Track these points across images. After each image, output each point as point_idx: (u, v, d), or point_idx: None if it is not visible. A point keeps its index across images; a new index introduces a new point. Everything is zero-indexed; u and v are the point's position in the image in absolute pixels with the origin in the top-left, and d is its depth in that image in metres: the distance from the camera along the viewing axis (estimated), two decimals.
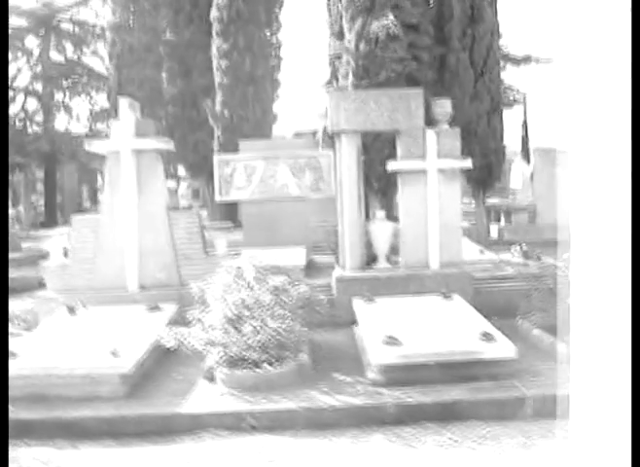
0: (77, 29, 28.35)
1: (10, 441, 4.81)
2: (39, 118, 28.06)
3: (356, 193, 7.59)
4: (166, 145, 7.55)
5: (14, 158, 23.84)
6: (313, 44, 57.94)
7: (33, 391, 5.33)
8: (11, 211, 25.97)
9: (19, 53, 28.13)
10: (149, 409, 5.04)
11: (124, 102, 7.43)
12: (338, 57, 15.44)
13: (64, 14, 28.14)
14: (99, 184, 34.38)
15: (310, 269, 9.36)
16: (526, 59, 24.58)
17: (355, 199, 7.57)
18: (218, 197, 11.94)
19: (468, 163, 7.56)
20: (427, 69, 13.16)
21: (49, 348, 5.78)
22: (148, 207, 7.47)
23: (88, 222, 7.64)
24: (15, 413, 5.08)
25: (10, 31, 27.48)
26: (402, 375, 5.34)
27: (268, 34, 17.61)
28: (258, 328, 5.33)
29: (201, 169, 16.96)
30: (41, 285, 11.48)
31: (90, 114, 28.61)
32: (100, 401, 5.20)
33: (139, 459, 4.49)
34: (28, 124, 27.76)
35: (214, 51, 15.21)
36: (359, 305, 6.89)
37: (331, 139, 15.55)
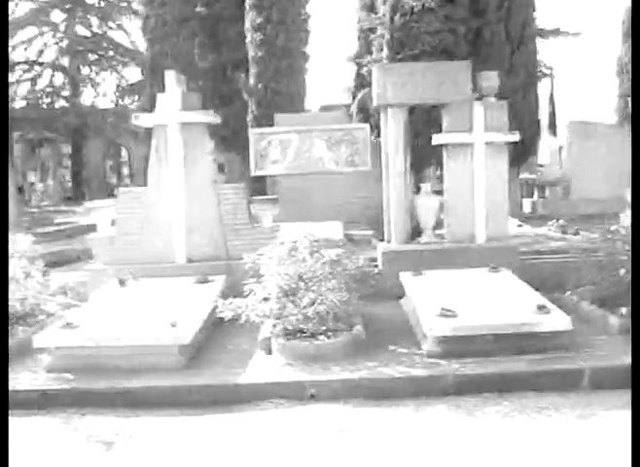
0: (102, 3, 28.31)
1: (71, 410, 4.93)
2: (65, 93, 28.13)
3: (402, 166, 7.58)
4: (213, 118, 7.56)
5: (42, 133, 24.03)
6: (336, 17, 57.50)
7: (92, 362, 5.41)
8: (40, 186, 26.23)
9: (46, 28, 28.16)
10: (210, 379, 5.12)
11: (170, 75, 7.45)
12: (370, 30, 15.35)
13: None
14: (123, 159, 34.56)
15: (347, 243, 9.37)
16: (555, 32, 24.27)
17: (401, 173, 7.57)
18: (253, 172, 11.94)
19: (515, 137, 7.53)
20: (462, 42, 13.04)
21: (106, 320, 5.85)
22: (195, 180, 7.51)
23: (134, 195, 7.69)
24: (76, 382, 5.19)
25: (36, 6, 27.56)
26: (457, 346, 5.37)
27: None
28: (316, 300, 5.37)
29: (232, 144, 16.96)
30: (79, 258, 11.63)
31: (117, 88, 28.67)
32: (160, 371, 5.27)
33: (204, 428, 4.56)
34: (55, 99, 27.82)
35: (247, 24, 15.17)
36: (407, 278, 6.91)
37: (362, 113, 15.51)
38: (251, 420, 4.63)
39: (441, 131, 7.68)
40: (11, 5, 28.01)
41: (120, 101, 28.61)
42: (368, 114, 14.58)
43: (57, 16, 28.55)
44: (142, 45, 25.93)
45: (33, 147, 27.85)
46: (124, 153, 34.15)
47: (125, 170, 34.33)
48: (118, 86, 28.76)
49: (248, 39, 15.20)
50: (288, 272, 5.61)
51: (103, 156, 31.11)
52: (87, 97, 28.90)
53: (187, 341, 5.40)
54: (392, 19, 13.03)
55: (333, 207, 12.27)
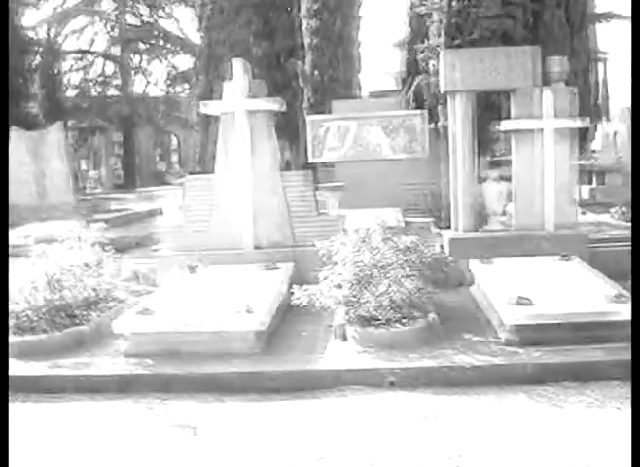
0: None
1: (153, 396, 5.00)
2: (117, 81, 28.44)
3: (470, 153, 7.52)
4: (279, 105, 7.57)
5: (94, 121, 24.38)
6: (375, 2, 56.92)
7: (169, 347, 5.48)
8: (92, 173, 26.61)
9: (97, 17, 28.47)
10: (288, 365, 5.15)
11: (237, 63, 7.47)
12: (425, 15, 15.19)
13: None
14: (173, 147, 34.86)
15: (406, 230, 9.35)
16: (606, 16, 23.79)
17: (469, 160, 7.51)
18: (310, 158, 11.95)
19: (585, 123, 7.41)
20: (521, 27, 12.84)
21: (180, 306, 5.92)
22: (261, 168, 7.53)
23: (202, 182, 7.75)
24: (155, 367, 5.26)
25: None
26: (535, 335, 5.32)
27: None
28: (392, 287, 5.36)
29: (283, 131, 16.97)
30: (138, 245, 11.78)
31: (168, 77, 28.89)
32: (238, 357, 5.32)
33: (287, 413, 4.59)
34: (107, 87, 28.13)
35: (304, 11, 15.14)
36: (476, 265, 6.86)
37: (417, 100, 15.37)
38: (333, 407, 4.65)
39: (498, 117, 7.60)
40: None
41: (170, 90, 28.82)
42: (422, 100, 14.44)
43: (108, 5, 28.85)
44: (192, 33, 26.14)
45: (85, 135, 28.23)
46: (172, 140, 34.47)
47: (174, 158, 34.65)
48: (168, 74, 29.00)
49: (304, 26, 15.19)
50: (362, 259, 5.61)
51: (153, 144, 31.40)
52: (137, 86, 29.20)
53: (264, 327, 5.44)
54: (450, 4, 12.87)
55: (389, 194, 12.22)
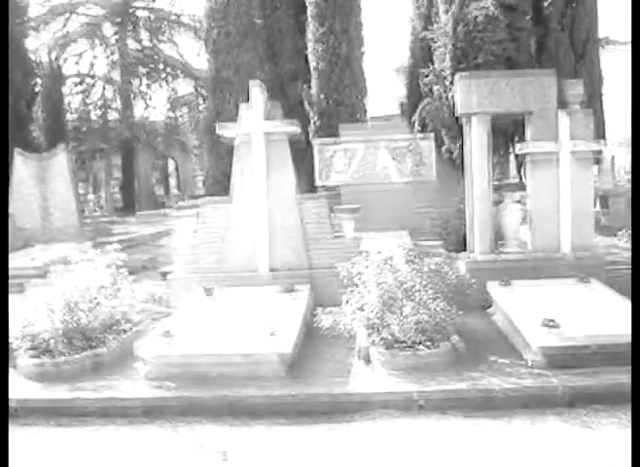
0: (152, 17, 28.66)
1: (177, 420, 4.93)
2: (117, 105, 28.49)
3: (486, 176, 7.51)
4: (295, 128, 7.57)
5: (96, 144, 24.37)
6: (379, 28, 57.47)
7: (191, 370, 5.41)
8: (92, 197, 26.55)
9: (97, 42, 28.58)
10: (315, 388, 5.08)
11: (254, 86, 7.48)
12: (430, 40, 15.28)
13: (140, 2, 28.46)
14: (170, 171, 34.88)
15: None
16: (603, 42, 23.96)
17: (485, 183, 7.49)
18: (317, 181, 11.97)
19: (601, 146, 7.42)
20: (526, 51, 12.93)
21: (201, 329, 5.87)
22: (277, 190, 7.52)
23: (217, 204, 7.72)
24: (179, 391, 5.19)
25: (86, 20, 27.99)
26: (562, 357, 5.27)
27: None
28: (418, 309, 5.32)
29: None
30: (144, 268, 11.73)
31: (168, 101, 28.97)
32: (262, 380, 5.26)
33: (314, 438, 4.53)
34: (107, 111, 28.18)
35: (309, 35, 15.21)
36: (495, 287, 6.83)
37: (421, 126, 15.42)
38: (363, 431, 4.59)
39: (509, 139, 7.61)
40: (61, 19, 28.53)
41: (170, 114, 28.88)
42: (427, 125, 14.49)
43: (108, 30, 28.97)
44: (192, 58, 26.24)
45: (83, 159, 28.23)
46: (169, 165, 34.52)
47: (172, 182, 34.65)
48: (168, 98, 29.07)
49: (309, 50, 15.25)
50: (386, 281, 5.57)
51: (151, 167, 31.42)
52: (138, 110, 29.26)
53: (288, 350, 5.38)
54: (454, 30, 12.96)
55: (396, 217, 12.22)
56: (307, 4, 15.23)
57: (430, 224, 11.32)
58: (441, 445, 4.31)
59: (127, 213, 25.47)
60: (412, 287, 5.53)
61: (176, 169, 33.39)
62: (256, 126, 7.44)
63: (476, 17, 12.61)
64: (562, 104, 7.66)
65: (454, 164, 13.49)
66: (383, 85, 38.15)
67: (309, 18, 15.21)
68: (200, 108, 25.93)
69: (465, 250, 8.12)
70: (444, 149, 13.42)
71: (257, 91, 7.46)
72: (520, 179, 12.63)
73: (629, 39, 16.92)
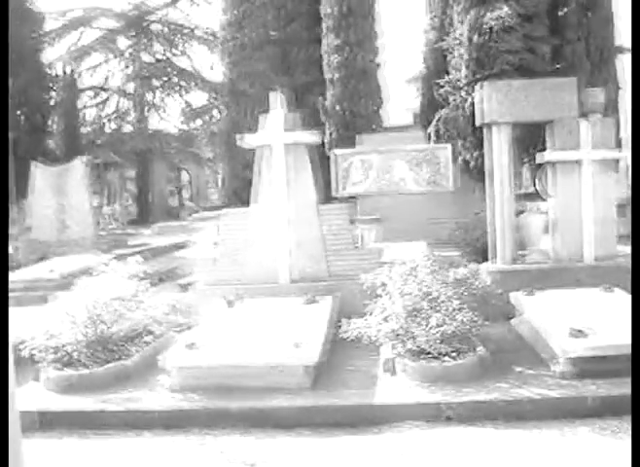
0: (166, 30, 28.84)
1: (203, 431, 4.90)
2: (130, 117, 28.65)
3: (508, 185, 7.48)
4: (316, 138, 7.57)
5: (111, 157, 24.49)
6: (389, 39, 57.55)
7: (216, 382, 5.39)
8: (106, 209, 26.66)
9: (111, 55, 28.77)
10: (341, 399, 5.05)
11: (274, 96, 7.48)
12: (447, 50, 15.29)
13: (154, 15, 28.63)
14: (183, 183, 35.00)
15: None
16: (618, 50, 23.92)
17: (507, 192, 7.46)
18: (334, 192, 11.94)
19: (623, 154, 7.38)
20: (542, 60, 12.91)
21: (226, 340, 5.84)
22: (298, 200, 7.51)
23: (237, 215, 7.72)
24: (204, 403, 5.16)
25: (101, 33, 28.20)
26: (590, 367, 5.22)
27: None
28: (444, 320, 5.28)
29: None
30: (162, 280, 11.73)
31: (183, 113, 29.10)
32: (287, 391, 5.23)
33: (342, 450, 4.49)
34: (121, 123, 28.34)
35: (325, 47, 15.26)
36: (519, 297, 6.78)
37: (437, 136, 15.40)
38: (391, 442, 4.55)
39: (524, 149, 7.58)
40: (76, 33, 28.76)
41: (184, 126, 29.02)
42: (444, 135, 14.48)
43: (123, 43, 29.19)
44: (206, 70, 26.39)
45: (98, 171, 28.37)
46: (183, 176, 34.65)
47: (185, 194, 34.77)
48: (182, 110, 29.21)
49: (325, 61, 15.29)
50: (411, 292, 5.54)
51: (165, 179, 31.53)
52: (152, 122, 29.40)
53: (313, 362, 5.35)
54: (470, 40, 12.96)
55: (412, 228, 12.16)
56: (323, 16, 15.29)
57: (449, 234, 11.27)
58: (471, 456, 4.27)
59: (142, 225, 25.54)
60: (438, 298, 5.50)
61: (189, 181, 33.52)
62: (277, 137, 7.44)
63: (492, 26, 12.60)
64: (583, 112, 7.62)
65: (471, 174, 13.47)
66: (395, 95, 38.12)
67: (325, 30, 15.26)
68: (214, 120, 26.03)
69: (486, 260, 8.08)
70: (460, 159, 13.41)
71: (277, 102, 7.46)
72: (535, 188, 12.58)
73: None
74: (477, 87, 7.63)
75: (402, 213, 12.34)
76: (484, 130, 7.74)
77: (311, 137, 7.52)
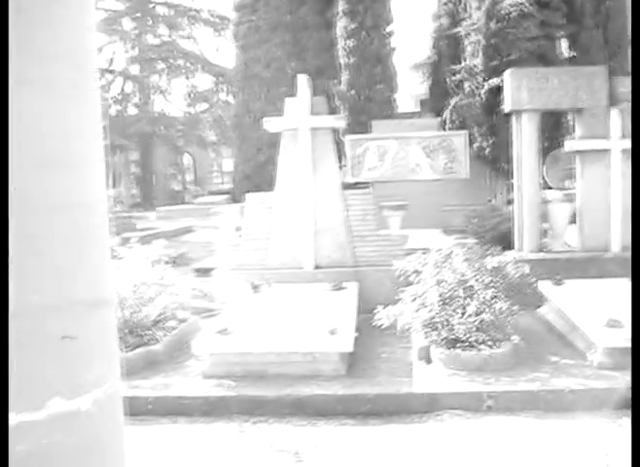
0: (172, 12, 28.62)
1: (241, 418, 4.85)
2: (135, 100, 28.48)
3: (536, 173, 7.42)
4: (341, 122, 7.50)
5: (115, 139, 24.33)
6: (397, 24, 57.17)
7: (250, 368, 5.34)
8: (112, 192, 26.53)
9: (116, 37, 28.56)
10: (381, 388, 5.01)
11: (302, 79, 7.40)
12: (453, 37, 15.20)
13: None
14: (186, 166, 34.85)
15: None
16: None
17: (535, 180, 7.41)
18: (350, 178, 11.88)
19: None
20: (559, 48, 12.85)
21: (257, 326, 5.79)
22: (323, 186, 7.44)
23: (262, 200, 7.65)
24: (239, 389, 5.11)
25: (106, 15, 27.98)
26: (627, 358, 5.16)
27: None
28: (482, 309, 5.24)
29: None
30: (175, 263, 11.65)
31: (188, 96, 28.93)
32: (322, 379, 5.19)
33: (385, 439, 4.45)
34: (126, 106, 28.17)
35: (339, 31, 15.14)
36: (548, 287, 6.73)
37: (451, 122, 15.33)
38: (433, 431, 4.51)
39: (548, 136, 7.52)
40: None
41: (190, 109, 28.85)
42: (454, 121, 14.42)
43: (127, 24, 28.95)
44: (211, 53, 26.22)
45: (103, 154, 28.11)
46: (186, 160, 34.50)
47: (188, 177, 34.62)
48: (188, 94, 29.01)
49: (340, 45, 15.17)
50: (446, 280, 5.49)
51: (169, 163, 31.39)
52: (157, 105, 29.22)
53: (350, 349, 5.31)
54: (487, 26, 12.89)
55: (427, 215, 12.14)
56: None
57: (465, 222, 11.22)
58: (516, 445, 4.23)
59: (146, 208, 25.45)
60: (473, 286, 5.45)
61: (194, 165, 33.38)
62: (303, 121, 7.36)
63: (509, 13, 12.53)
64: (611, 101, 7.55)
65: (485, 161, 13.43)
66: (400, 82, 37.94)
67: (340, 14, 15.14)
68: (221, 103, 25.90)
69: (503, 248, 8.03)
70: (475, 146, 13.36)
71: (304, 85, 7.38)
72: (543, 178, 12.53)
73: None
74: (506, 73, 7.54)
75: (415, 200, 12.29)
76: (513, 118, 7.66)
77: (337, 121, 7.46)
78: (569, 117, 14.60)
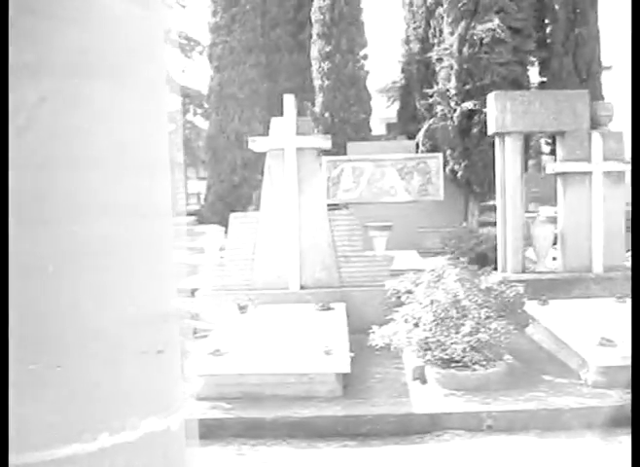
0: None
1: (238, 441, 4.77)
2: None
3: (519, 195, 7.50)
4: (328, 143, 7.50)
5: None
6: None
7: (246, 390, 5.26)
8: None
9: None
10: (379, 408, 4.97)
11: (288, 100, 7.40)
12: (423, 61, 15.38)
13: None
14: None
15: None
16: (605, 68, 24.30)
17: (518, 202, 7.49)
18: (326, 199, 11.87)
19: (629, 166, 7.47)
20: (531, 73, 13.07)
21: (249, 347, 5.72)
22: (308, 206, 7.42)
23: (246, 220, 7.60)
24: (235, 411, 5.04)
25: None
26: (621, 376, 5.22)
27: None
28: (478, 328, 5.25)
29: None
30: None
31: None
32: (319, 400, 5.13)
33: (387, 460, 4.42)
34: None
35: (314, 53, 15.21)
36: (534, 307, 6.79)
37: (424, 145, 15.44)
38: (436, 451, 4.49)
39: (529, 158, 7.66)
40: None
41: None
42: (431, 144, 14.53)
43: None
44: (177, 74, 26.16)
45: None
46: None
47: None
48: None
49: (314, 68, 15.24)
50: (440, 299, 5.49)
51: None
52: None
53: (346, 370, 5.27)
54: (460, 51, 13.06)
55: (401, 237, 12.16)
56: (313, 22, 15.27)
57: (441, 243, 11.29)
58: (521, 463, 4.23)
59: None
60: (466, 306, 5.46)
61: None
62: (289, 141, 7.34)
63: (482, 38, 12.71)
64: (592, 125, 7.69)
65: (458, 184, 13.55)
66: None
67: (315, 36, 15.23)
68: (188, 124, 25.78)
69: (480, 268, 8.08)
70: (447, 169, 13.46)
71: (290, 105, 7.37)
72: None
73: (610, 64, 16.99)
74: (490, 96, 7.63)
75: (394, 221, 12.32)
76: (496, 140, 7.75)
77: (324, 142, 7.46)
78: (536, 140, 14.86)
